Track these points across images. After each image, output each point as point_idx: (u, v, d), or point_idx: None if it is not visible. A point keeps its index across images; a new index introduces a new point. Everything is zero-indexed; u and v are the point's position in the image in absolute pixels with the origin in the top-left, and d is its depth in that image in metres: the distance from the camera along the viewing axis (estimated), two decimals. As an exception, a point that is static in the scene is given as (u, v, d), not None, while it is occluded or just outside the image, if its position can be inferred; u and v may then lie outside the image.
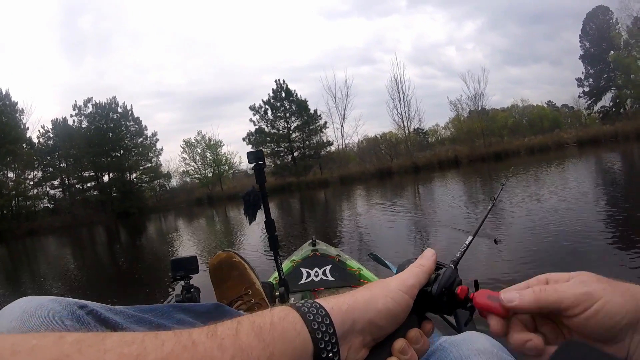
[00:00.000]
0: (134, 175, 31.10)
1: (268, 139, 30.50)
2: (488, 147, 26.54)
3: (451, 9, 50.08)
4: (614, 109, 31.76)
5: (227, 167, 32.57)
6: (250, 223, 1.36)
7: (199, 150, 31.95)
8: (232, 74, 49.29)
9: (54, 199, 29.10)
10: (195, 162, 31.98)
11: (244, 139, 31.06)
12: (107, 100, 30.56)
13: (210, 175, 31.77)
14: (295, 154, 30.25)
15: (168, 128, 48.17)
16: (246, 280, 0.97)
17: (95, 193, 29.80)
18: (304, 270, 1.98)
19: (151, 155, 31.57)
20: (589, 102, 33.68)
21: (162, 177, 31.97)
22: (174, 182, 33.34)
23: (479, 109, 28.92)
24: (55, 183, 29.38)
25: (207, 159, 31.84)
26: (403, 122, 29.40)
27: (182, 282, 1.17)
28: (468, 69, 41.40)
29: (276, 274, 1.54)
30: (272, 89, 30.43)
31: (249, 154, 1.23)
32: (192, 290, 1.14)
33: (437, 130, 35.59)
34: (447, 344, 0.55)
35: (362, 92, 47.07)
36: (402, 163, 26.37)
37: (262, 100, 30.45)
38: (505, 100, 44.66)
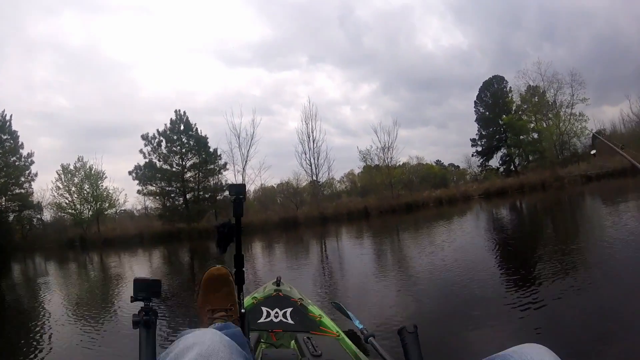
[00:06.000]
0: (-1, 202, 24.30)
1: (158, 175, 25.73)
2: (396, 198, 25.74)
3: (349, 70, 51.61)
4: (504, 166, 34.35)
5: (107, 205, 26.89)
6: (221, 254, 1.31)
7: (76, 180, 26.15)
8: (123, 106, 43.80)
9: None
10: (71, 194, 25.95)
11: (130, 173, 25.88)
12: (-17, 105, 23.66)
13: (88, 212, 26.02)
14: (188, 196, 25.86)
15: (48, 156, 40.85)
16: (232, 298, 1.05)
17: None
18: (264, 309, 1.92)
19: (23, 180, 25.06)
20: (482, 160, 36.21)
21: (31, 207, 25.50)
22: (47, 216, 27.00)
23: (390, 159, 28.60)
24: None
25: (85, 192, 26.10)
26: (312, 169, 27.23)
27: (141, 304, 1.11)
28: (363, 127, 42.99)
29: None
30: (171, 119, 26.26)
31: (230, 186, 1.26)
32: (150, 313, 1.06)
33: (332, 183, 34.55)
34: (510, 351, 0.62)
35: (259, 142, 45.92)
36: (309, 213, 23.95)
37: (157, 131, 25.99)
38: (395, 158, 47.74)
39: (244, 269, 1.41)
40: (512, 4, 44.87)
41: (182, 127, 26.31)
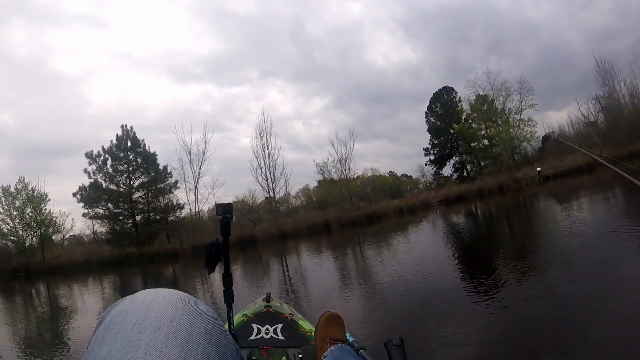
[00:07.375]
0: None
1: (104, 196, 23.85)
2: (356, 210, 25.60)
3: (300, 85, 52.89)
4: (457, 173, 35.52)
5: (51, 230, 24.52)
6: (209, 274, 1.33)
7: (18, 204, 23.71)
8: (70, 124, 42.00)
9: None
10: (12, 219, 23.47)
11: (74, 195, 23.76)
12: None
13: (31, 238, 23.74)
14: (138, 218, 24.14)
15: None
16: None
17: None
18: (254, 326, 1.95)
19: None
20: (435, 168, 37.29)
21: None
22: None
23: (347, 171, 28.56)
24: None
25: (27, 217, 23.72)
26: (268, 184, 26.28)
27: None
28: (315, 142, 43.63)
29: (226, 327, 1.37)
30: (117, 134, 24.51)
31: (217, 205, 1.25)
32: None
33: (288, 199, 34.05)
34: None
35: (211, 159, 44.52)
36: (267, 229, 23.11)
37: (102, 148, 24.13)
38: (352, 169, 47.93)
39: (232, 287, 1.42)
40: (459, 19, 47.56)
41: (129, 144, 24.72)
